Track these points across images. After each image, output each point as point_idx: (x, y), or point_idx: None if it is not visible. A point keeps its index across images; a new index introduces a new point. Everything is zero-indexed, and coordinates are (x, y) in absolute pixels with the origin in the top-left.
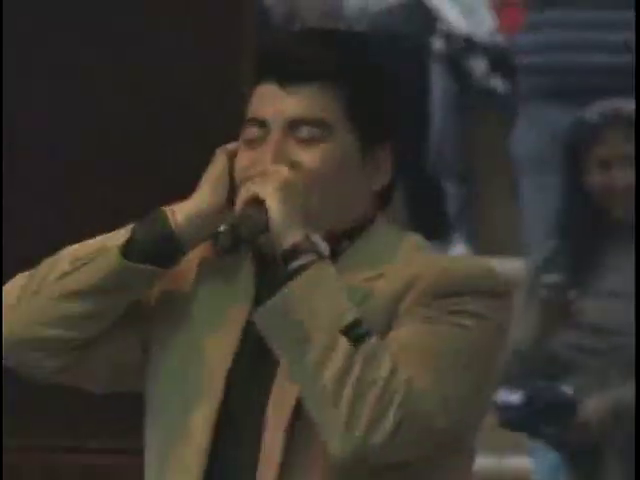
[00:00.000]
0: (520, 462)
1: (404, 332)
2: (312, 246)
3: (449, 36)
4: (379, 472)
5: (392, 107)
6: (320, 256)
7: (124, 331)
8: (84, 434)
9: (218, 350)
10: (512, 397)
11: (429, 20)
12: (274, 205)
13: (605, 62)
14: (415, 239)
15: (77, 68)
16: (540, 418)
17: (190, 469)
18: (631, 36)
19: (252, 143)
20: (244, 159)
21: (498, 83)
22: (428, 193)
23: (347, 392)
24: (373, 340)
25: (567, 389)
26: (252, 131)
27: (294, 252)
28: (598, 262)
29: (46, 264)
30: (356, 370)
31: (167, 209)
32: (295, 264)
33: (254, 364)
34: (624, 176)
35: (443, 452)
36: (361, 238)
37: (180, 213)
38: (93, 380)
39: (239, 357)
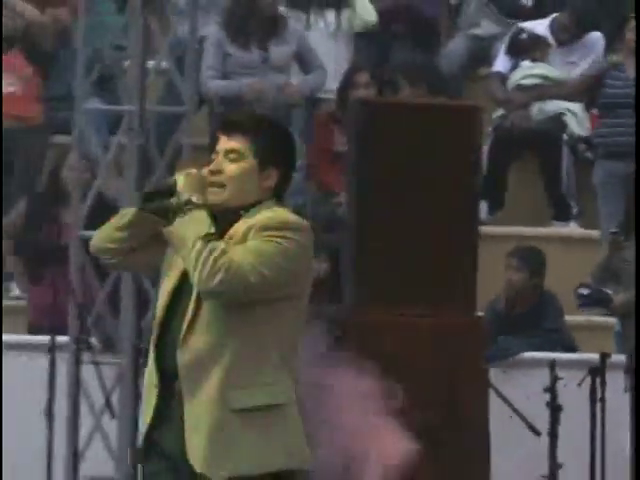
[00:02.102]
0: (605, 319)
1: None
2: (196, 200)
3: (571, 134)
4: (242, 311)
5: (279, 151)
6: (196, 206)
7: (154, 247)
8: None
9: (177, 266)
10: (584, 284)
11: (561, 125)
12: (178, 183)
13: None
14: (276, 209)
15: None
16: (597, 303)
17: (160, 308)
18: None
19: (212, 160)
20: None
21: (589, 155)
22: (561, 202)
23: (200, 263)
24: (218, 243)
25: (609, 291)
26: (214, 154)
27: (184, 204)
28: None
29: (118, 214)
30: (204, 254)
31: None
32: (184, 209)
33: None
34: None
35: (267, 297)
36: (253, 208)
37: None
38: (139, 269)
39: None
